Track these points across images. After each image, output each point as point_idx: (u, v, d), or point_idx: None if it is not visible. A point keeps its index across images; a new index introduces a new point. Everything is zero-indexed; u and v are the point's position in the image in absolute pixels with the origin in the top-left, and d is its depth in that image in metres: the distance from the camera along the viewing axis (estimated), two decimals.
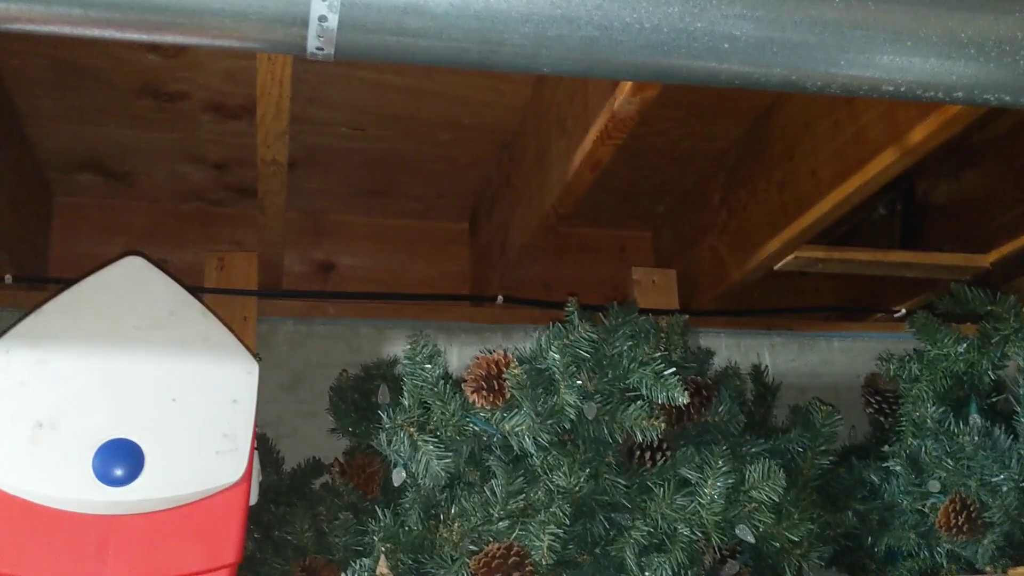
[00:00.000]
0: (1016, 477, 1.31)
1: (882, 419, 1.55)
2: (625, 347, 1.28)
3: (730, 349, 2.29)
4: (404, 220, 2.31)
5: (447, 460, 1.22)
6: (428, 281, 2.32)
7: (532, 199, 1.79)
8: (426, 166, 2.09)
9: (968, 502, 1.33)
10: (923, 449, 1.41)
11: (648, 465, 1.26)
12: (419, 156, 2.05)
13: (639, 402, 1.22)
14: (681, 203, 2.31)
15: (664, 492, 1.23)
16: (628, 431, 1.21)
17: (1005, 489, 1.32)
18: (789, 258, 1.96)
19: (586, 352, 1.21)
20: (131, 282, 1.26)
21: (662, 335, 1.36)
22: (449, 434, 1.24)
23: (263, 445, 1.63)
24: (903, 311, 2.31)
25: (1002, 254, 2.00)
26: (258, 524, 1.53)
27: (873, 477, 1.48)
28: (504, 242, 2.03)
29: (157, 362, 1.19)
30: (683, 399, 1.17)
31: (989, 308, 1.42)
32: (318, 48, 0.82)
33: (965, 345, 1.40)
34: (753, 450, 1.35)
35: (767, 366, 1.76)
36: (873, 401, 1.55)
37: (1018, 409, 1.34)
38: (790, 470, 1.38)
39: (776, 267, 2.01)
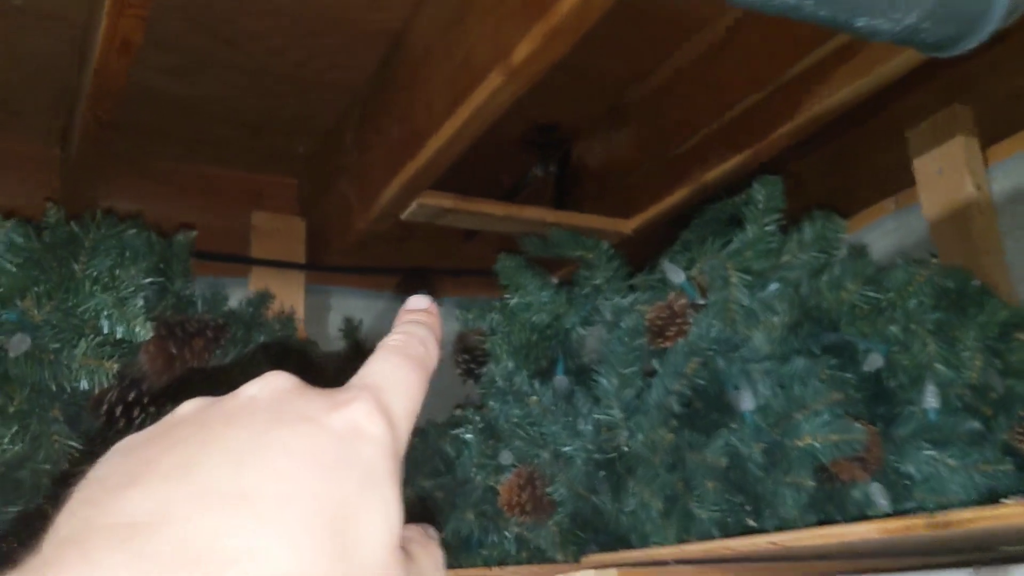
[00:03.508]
0: (589, 447, 1.12)
1: (472, 381, 1.33)
2: (103, 267, 0.96)
3: (362, 312, 2.04)
4: None
5: None
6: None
7: (77, 103, 1.43)
8: None
9: (535, 476, 1.13)
10: (503, 415, 1.20)
11: (121, 424, 0.96)
12: None
13: (94, 337, 0.91)
14: (322, 144, 2.03)
15: None
16: (76, 375, 0.90)
17: (577, 460, 1.12)
18: (413, 206, 1.72)
19: (13, 265, 0.88)
20: None
21: (161, 259, 1.05)
22: None
23: None
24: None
25: (643, 220, 1.87)
26: None
27: (449, 449, 1.25)
28: (73, 165, 1.66)
29: None
30: (146, 333, 0.88)
31: (581, 253, 1.23)
32: None
33: (551, 292, 1.20)
34: None
35: (361, 322, 1.51)
36: (462, 360, 1.33)
37: (599, 369, 1.15)
38: None
39: (403, 216, 1.77)
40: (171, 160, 2.03)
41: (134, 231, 1.00)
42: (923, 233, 1.75)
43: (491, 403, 1.22)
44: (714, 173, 1.72)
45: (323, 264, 1.96)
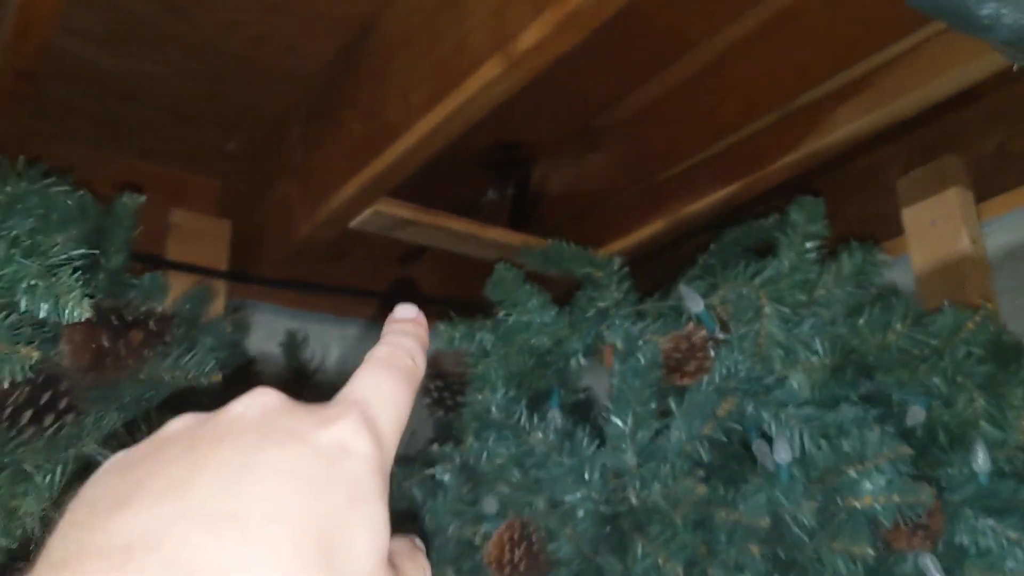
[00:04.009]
0: (595, 496, 0.94)
1: (442, 412, 1.14)
2: (24, 228, 0.74)
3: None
4: None
5: None
6: None
7: None
8: None
9: (530, 529, 0.94)
10: (486, 453, 1.01)
11: (28, 433, 0.73)
12: None
13: (6, 316, 0.69)
14: (259, 140, 1.81)
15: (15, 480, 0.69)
16: None
17: (580, 512, 0.94)
18: (368, 212, 1.53)
19: None
20: None
21: (95, 228, 0.83)
22: None
23: None
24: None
25: (613, 252, 1.72)
26: None
27: (416, 491, 1.05)
28: None
29: None
30: (82, 313, 0.66)
31: (588, 270, 1.06)
32: None
33: (553, 313, 1.03)
34: None
35: (304, 339, 1.30)
36: (433, 388, 1.13)
37: (608, 405, 0.98)
38: None
39: (353, 224, 1.57)
40: (83, 144, 1.78)
41: (62, 189, 0.79)
42: (905, 290, 1.66)
43: (471, 439, 1.03)
44: (697, 206, 1.59)
45: (249, 275, 1.73)
